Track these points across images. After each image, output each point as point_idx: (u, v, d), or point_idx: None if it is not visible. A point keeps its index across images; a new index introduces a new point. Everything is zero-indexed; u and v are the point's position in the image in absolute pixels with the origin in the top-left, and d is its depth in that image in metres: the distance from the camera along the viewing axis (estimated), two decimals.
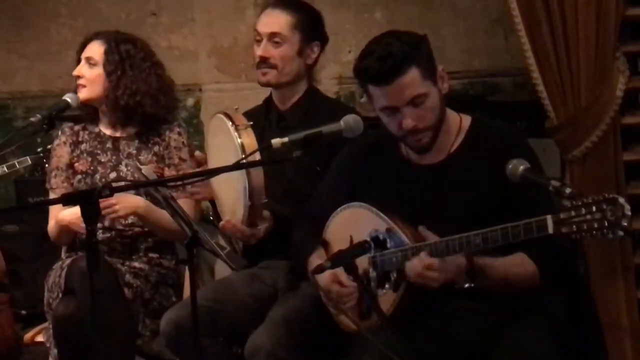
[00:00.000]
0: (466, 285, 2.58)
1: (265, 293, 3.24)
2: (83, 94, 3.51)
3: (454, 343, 2.67)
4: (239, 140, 3.00)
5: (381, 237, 2.71)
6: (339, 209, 2.85)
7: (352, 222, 2.79)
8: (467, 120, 2.81)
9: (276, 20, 3.29)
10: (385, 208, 2.73)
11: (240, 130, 3.03)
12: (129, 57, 3.51)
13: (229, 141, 3.04)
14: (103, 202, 3.16)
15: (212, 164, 3.29)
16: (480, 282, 2.59)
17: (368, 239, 2.66)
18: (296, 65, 3.31)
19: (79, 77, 3.51)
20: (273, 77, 3.30)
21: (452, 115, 2.80)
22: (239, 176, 2.98)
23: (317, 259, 2.83)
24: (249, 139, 3.02)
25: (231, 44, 5.03)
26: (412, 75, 2.63)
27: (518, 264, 2.63)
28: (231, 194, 3.13)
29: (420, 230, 2.61)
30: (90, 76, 3.50)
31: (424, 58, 2.67)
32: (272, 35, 3.29)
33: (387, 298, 2.71)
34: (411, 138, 2.72)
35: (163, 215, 3.37)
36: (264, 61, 3.29)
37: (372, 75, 2.66)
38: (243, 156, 2.93)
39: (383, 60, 2.63)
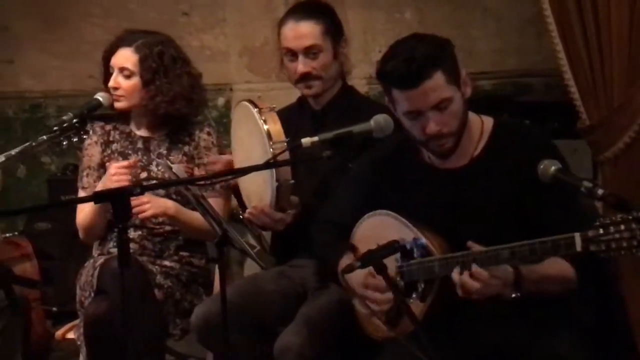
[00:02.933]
0: (513, 296, 2.52)
1: (294, 292, 3.24)
2: (121, 104, 3.50)
3: (484, 349, 2.64)
4: (265, 127, 3.00)
5: (408, 246, 2.68)
6: (365, 216, 2.83)
7: (379, 230, 2.76)
8: (489, 122, 2.77)
9: (306, 33, 3.26)
10: (407, 214, 2.71)
11: (265, 114, 3.03)
12: (162, 62, 3.48)
13: (254, 127, 3.04)
14: (134, 201, 3.19)
15: (237, 151, 3.29)
16: (526, 292, 2.53)
17: (397, 240, 2.65)
18: (335, 69, 3.31)
19: (115, 88, 3.49)
20: (319, 87, 3.29)
21: (473, 118, 2.76)
22: (264, 159, 2.95)
23: (348, 261, 2.80)
24: (274, 124, 3.02)
25: (262, 44, 5.04)
26: (438, 79, 2.60)
27: (559, 270, 2.59)
28: (257, 180, 3.13)
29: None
30: (127, 87, 3.48)
31: (448, 62, 2.64)
32: (308, 49, 3.26)
33: (414, 308, 2.67)
34: (434, 143, 2.68)
35: (193, 216, 3.39)
36: (306, 76, 3.27)
37: (397, 79, 2.63)
38: (271, 142, 2.92)
39: (408, 63, 2.59)
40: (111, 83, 3.48)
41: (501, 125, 2.77)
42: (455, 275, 2.52)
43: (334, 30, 3.30)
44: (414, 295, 2.69)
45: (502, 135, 2.74)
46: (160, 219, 3.50)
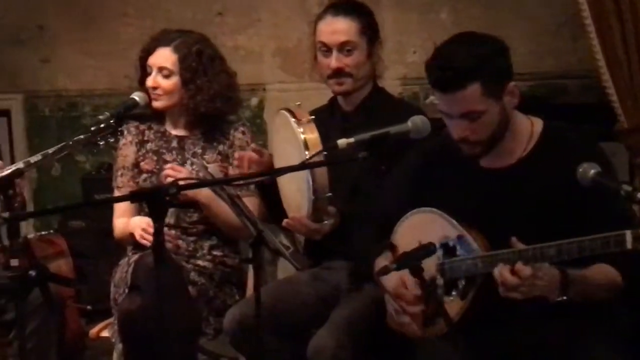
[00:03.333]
0: (558, 299, 2.50)
1: (328, 293, 3.24)
2: (160, 104, 3.52)
3: (520, 351, 2.63)
4: (302, 136, 3.01)
5: (451, 243, 2.69)
6: (408, 213, 2.82)
7: (422, 227, 2.76)
8: (538, 124, 2.75)
9: (343, 29, 3.26)
10: (452, 211, 2.71)
11: (303, 125, 3.03)
12: (201, 60, 3.50)
13: (292, 137, 3.05)
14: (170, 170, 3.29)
15: (277, 160, 3.30)
16: (571, 296, 2.51)
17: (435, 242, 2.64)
18: (367, 69, 3.30)
19: (154, 87, 3.50)
20: (349, 85, 3.28)
21: (522, 119, 2.74)
22: (303, 171, 2.98)
23: (384, 261, 2.80)
24: (312, 134, 3.03)
25: (295, 44, 5.04)
26: (472, 91, 2.57)
27: (605, 275, 2.56)
28: (295, 189, 3.14)
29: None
30: (167, 87, 3.50)
31: (491, 74, 2.59)
32: (342, 45, 3.26)
33: (453, 305, 2.68)
34: (462, 145, 2.69)
35: (226, 208, 3.40)
36: (338, 72, 3.27)
37: (432, 79, 2.64)
38: (307, 153, 2.93)
39: (444, 69, 2.58)
40: (150, 83, 3.49)
41: (550, 127, 2.75)
42: (497, 271, 2.51)
43: (371, 31, 3.30)
44: (453, 293, 2.69)
45: (550, 137, 2.72)
46: (195, 218, 3.51)
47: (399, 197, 2.92)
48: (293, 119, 3.08)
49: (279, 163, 3.29)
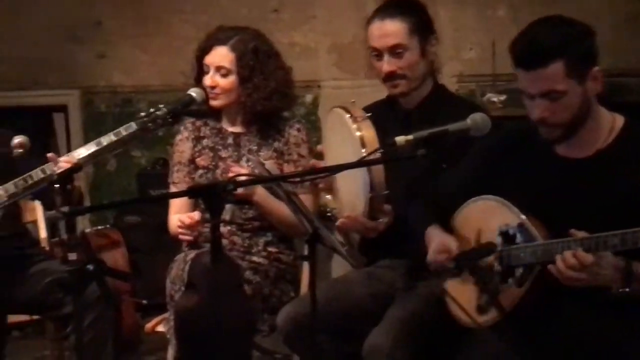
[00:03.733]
0: (620, 291, 2.48)
1: (383, 292, 3.22)
2: (218, 103, 3.52)
3: (576, 347, 2.59)
4: (357, 133, 2.99)
5: (511, 232, 2.68)
6: (470, 200, 2.82)
7: (483, 215, 2.76)
8: (620, 120, 2.72)
9: (391, 32, 3.21)
10: (520, 197, 2.69)
11: (359, 123, 3.01)
12: (258, 58, 3.49)
13: (347, 134, 3.03)
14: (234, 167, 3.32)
15: (330, 158, 3.28)
16: (635, 288, 2.48)
17: (495, 241, 2.61)
18: (423, 67, 3.25)
19: (212, 87, 3.51)
20: (405, 86, 3.24)
21: (604, 112, 2.71)
22: (358, 169, 2.96)
23: (436, 230, 2.82)
24: (368, 132, 3.00)
25: (351, 41, 5.03)
26: (555, 69, 2.57)
27: None
28: (351, 187, 3.11)
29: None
30: (225, 86, 3.50)
31: (575, 54, 2.58)
32: (392, 48, 3.21)
33: (509, 293, 2.67)
34: (541, 128, 2.67)
35: (280, 205, 3.40)
36: (391, 75, 3.24)
37: (516, 56, 2.62)
38: (364, 151, 2.91)
39: (528, 46, 2.58)
40: (208, 82, 3.50)
41: (632, 124, 2.71)
42: (559, 257, 2.49)
43: (422, 28, 3.24)
44: (510, 281, 2.67)
45: (631, 134, 2.69)
46: (250, 214, 3.51)
47: (470, 178, 2.89)
48: (348, 116, 3.05)
49: (332, 162, 3.27)
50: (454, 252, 2.76)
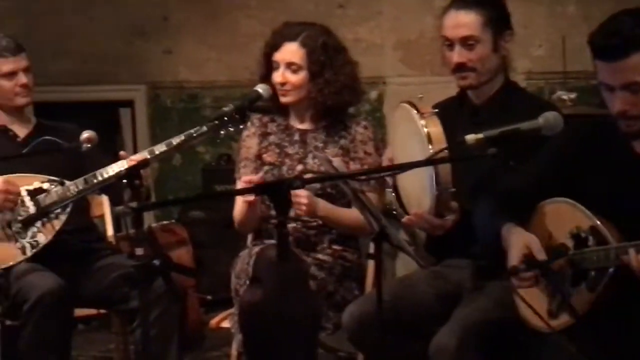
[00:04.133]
0: None
1: (449, 292, 3.18)
2: (288, 99, 3.51)
3: None
4: (424, 129, 2.95)
5: (583, 235, 2.62)
6: (541, 203, 2.76)
7: (554, 218, 2.71)
8: None
9: (464, 23, 3.17)
10: (594, 196, 2.64)
11: (426, 119, 2.98)
12: (327, 53, 3.49)
13: (414, 130, 3.00)
14: (296, 197, 3.26)
15: (397, 154, 3.25)
16: None
17: (566, 243, 2.56)
18: (494, 62, 3.21)
19: (283, 83, 3.50)
20: (473, 79, 3.21)
21: None
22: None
23: (514, 228, 2.73)
24: (435, 128, 2.97)
25: (417, 37, 5.00)
26: (636, 60, 2.51)
27: None
28: (417, 184, 3.08)
29: None
30: (296, 82, 3.49)
31: None
32: (463, 40, 3.18)
33: (581, 297, 2.61)
34: (622, 122, 2.61)
35: (343, 215, 3.42)
36: (461, 66, 3.20)
37: (596, 47, 2.58)
38: (430, 147, 2.87)
39: (609, 37, 2.53)
40: (279, 79, 3.49)
41: None
42: (632, 255, 2.44)
43: (498, 22, 3.20)
44: (582, 285, 2.62)
45: None
46: None
47: (539, 176, 2.83)
48: (415, 112, 3.02)
49: (399, 157, 3.24)
50: (537, 253, 2.67)
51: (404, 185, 3.22)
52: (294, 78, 3.49)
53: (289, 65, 3.49)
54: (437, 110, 3.02)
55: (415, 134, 3.01)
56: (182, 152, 5.53)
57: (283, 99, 3.51)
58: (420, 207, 3.07)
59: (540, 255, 2.63)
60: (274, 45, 3.52)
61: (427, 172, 2.95)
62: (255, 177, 3.39)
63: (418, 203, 3.09)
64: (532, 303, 2.73)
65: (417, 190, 3.10)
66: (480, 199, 2.95)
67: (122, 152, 3.47)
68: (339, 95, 3.48)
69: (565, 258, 2.65)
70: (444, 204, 3.01)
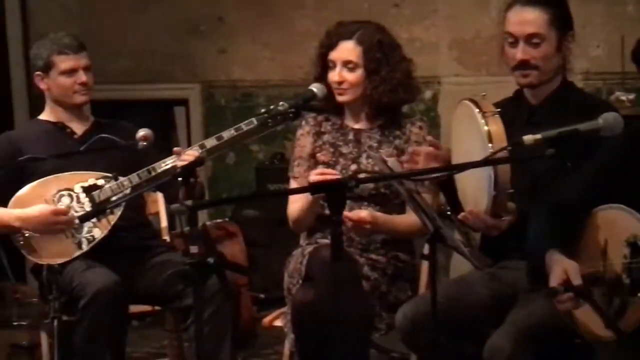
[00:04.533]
0: None
1: (504, 294, 3.15)
2: (345, 98, 3.51)
3: None
4: (485, 128, 2.92)
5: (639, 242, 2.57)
6: (596, 209, 2.72)
7: (610, 225, 2.66)
8: None
9: (531, 20, 3.15)
10: None
11: (488, 117, 2.95)
12: (383, 50, 3.49)
13: (474, 128, 2.97)
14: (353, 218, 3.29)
15: (456, 151, 3.23)
16: None
17: (623, 252, 2.53)
18: (556, 61, 3.18)
19: (340, 82, 3.49)
20: (535, 78, 3.18)
21: None
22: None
23: (557, 255, 2.69)
24: (496, 127, 2.94)
25: (473, 37, 4.97)
26: None
27: None
28: (474, 183, 3.05)
29: None
30: (353, 80, 3.49)
31: None
32: (529, 37, 3.15)
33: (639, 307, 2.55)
34: None
35: (401, 223, 3.42)
36: (524, 64, 3.17)
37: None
38: (490, 146, 2.85)
39: None
40: (336, 77, 3.49)
41: None
42: None
43: (562, 22, 3.17)
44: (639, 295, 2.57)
45: None
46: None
47: (597, 178, 2.79)
48: (477, 110, 2.99)
49: (458, 155, 3.21)
50: (574, 278, 2.64)
51: (461, 183, 3.20)
52: (351, 76, 3.48)
53: (346, 63, 3.48)
54: (499, 109, 2.99)
55: (475, 132, 2.98)
56: (235, 151, 5.55)
57: (340, 98, 3.51)
58: (477, 206, 3.04)
59: (576, 280, 2.60)
60: (329, 45, 3.52)
61: (486, 172, 2.92)
62: (329, 173, 3.37)
63: (475, 202, 3.06)
64: (587, 311, 2.69)
65: (475, 189, 3.07)
66: (538, 207, 2.90)
67: (175, 149, 3.50)
68: (395, 92, 3.47)
69: (622, 264, 2.60)
70: (501, 205, 2.98)
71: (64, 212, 3.51)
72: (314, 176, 3.32)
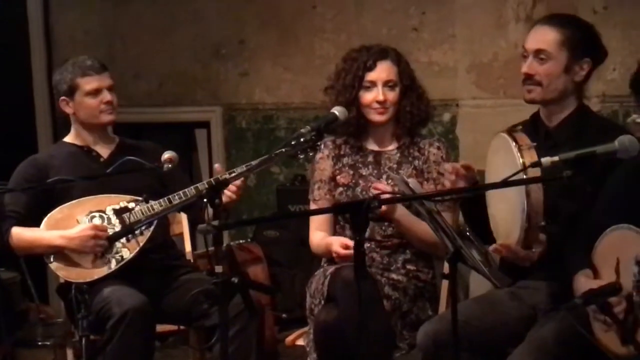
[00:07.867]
0: None
1: (525, 313, 3.19)
2: (385, 117, 3.59)
3: None
4: (520, 160, 2.93)
5: None
6: (607, 230, 2.77)
7: (620, 245, 2.71)
8: None
9: (542, 37, 3.24)
10: None
11: (523, 151, 2.98)
12: (409, 72, 3.61)
13: (510, 160, 2.98)
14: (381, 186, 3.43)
15: (491, 180, 3.25)
16: None
17: (633, 271, 2.58)
18: (562, 82, 3.23)
19: (383, 101, 3.57)
20: (537, 94, 3.25)
21: None
22: (517, 196, 2.92)
23: (582, 277, 2.79)
24: (531, 159, 2.96)
25: (490, 60, 5.01)
26: None
27: None
28: (507, 214, 3.07)
29: None
30: (393, 99, 3.58)
31: None
32: (537, 52, 3.23)
33: None
34: None
35: (419, 224, 3.44)
36: (528, 78, 3.25)
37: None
38: (525, 177, 2.87)
39: None
40: (380, 97, 3.56)
41: None
42: None
43: (577, 46, 3.22)
44: None
45: None
46: (389, 232, 3.54)
47: (606, 212, 2.85)
48: (514, 144, 3.02)
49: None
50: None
51: (494, 213, 3.22)
52: (392, 95, 3.58)
53: (387, 82, 3.58)
54: (535, 144, 3.01)
55: (511, 164, 2.98)
56: (256, 173, 5.60)
57: (380, 118, 3.58)
58: (508, 238, 3.06)
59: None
60: (367, 66, 3.58)
61: (520, 204, 2.93)
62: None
63: (507, 233, 3.08)
64: (606, 329, 2.73)
65: (507, 221, 3.08)
66: (572, 234, 2.96)
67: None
68: (428, 106, 3.63)
69: (633, 282, 2.64)
70: (533, 238, 3.00)
71: (104, 228, 3.57)
72: (338, 248, 3.40)
